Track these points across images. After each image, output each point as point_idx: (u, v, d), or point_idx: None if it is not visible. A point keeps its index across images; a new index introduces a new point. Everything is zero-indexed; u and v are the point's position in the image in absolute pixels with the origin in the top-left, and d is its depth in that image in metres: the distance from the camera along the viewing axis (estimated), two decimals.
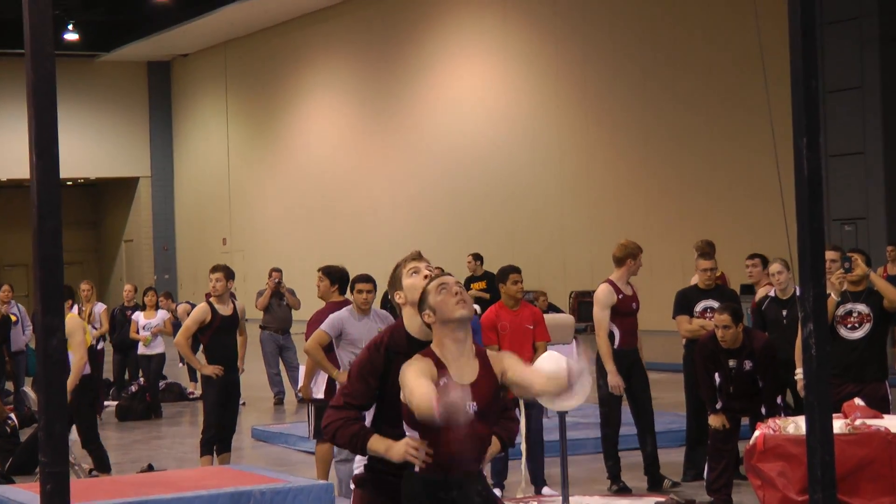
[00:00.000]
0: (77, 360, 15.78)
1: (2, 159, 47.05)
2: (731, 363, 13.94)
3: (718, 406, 13.98)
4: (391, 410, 7.17)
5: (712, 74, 28.36)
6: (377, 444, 6.96)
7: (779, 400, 14.06)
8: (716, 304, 14.29)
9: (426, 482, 7.04)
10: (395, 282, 7.39)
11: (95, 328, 23.60)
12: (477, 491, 7.17)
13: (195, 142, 51.12)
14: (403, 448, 6.80)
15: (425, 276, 7.22)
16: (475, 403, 6.94)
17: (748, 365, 13.85)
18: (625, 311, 14.91)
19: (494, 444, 7.42)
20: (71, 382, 15.37)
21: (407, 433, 7.00)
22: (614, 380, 14.62)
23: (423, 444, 6.78)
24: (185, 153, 51.75)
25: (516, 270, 14.56)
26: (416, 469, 7.00)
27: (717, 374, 14.06)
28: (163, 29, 44.25)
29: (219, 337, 15.98)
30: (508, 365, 7.30)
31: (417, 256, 7.44)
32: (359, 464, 7.33)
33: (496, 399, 7.21)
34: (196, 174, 51.12)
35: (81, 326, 16.59)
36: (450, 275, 7.35)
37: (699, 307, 14.68)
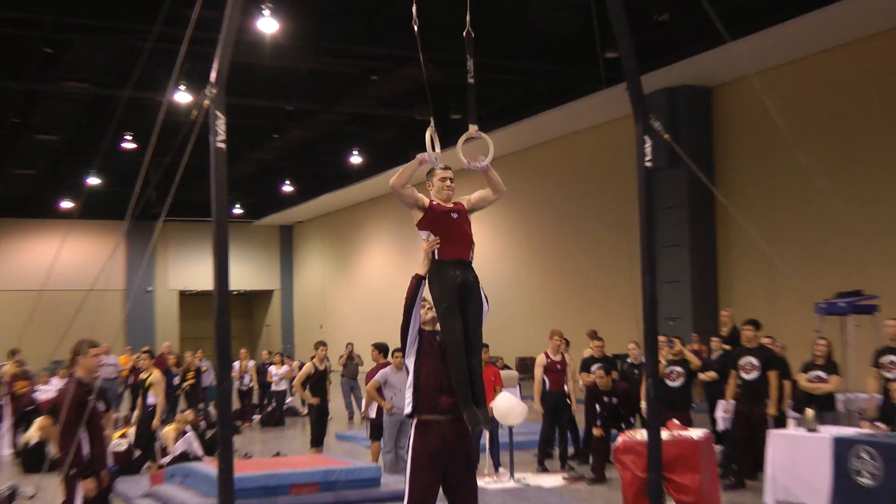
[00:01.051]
0: (160, 401, 16.02)
1: (197, 278, 47.55)
2: (606, 399, 14.02)
3: (598, 423, 14.01)
4: None
5: (601, 231, 28.29)
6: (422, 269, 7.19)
7: (632, 420, 14.05)
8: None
9: (442, 263, 7.16)
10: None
11: (249, 376, 23.91)
12: (474, 275, 7.30)
13: (305, 271, 51.04)
14: (424, 248, 7.18)
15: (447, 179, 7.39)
16: (456, 213, 7.29)
17: (615, 400, 13.93)
18: (551, 370, 14.90)
19: None
20: (158, 417, 15.86)
21: (422, 235, 7.24)
22: (537, 407, 14.83)
23: (434, 238, 7.10)
24: (299, 277, 51.69)
25: (485, 346, 14.53)
26: (437, 257, 7.16)
27: (597, 406, 14.10)
28: (288, 207, 44.32)
29: (317, 382, 16.04)
30: (470, 198, 7.51)
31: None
32: (407, 408, 7.09)
33: (468, 219, 7.38)
34: (305, 288, 51.02)
35: (163, 379, 16.96)
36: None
37: (593, 368, 14.60)
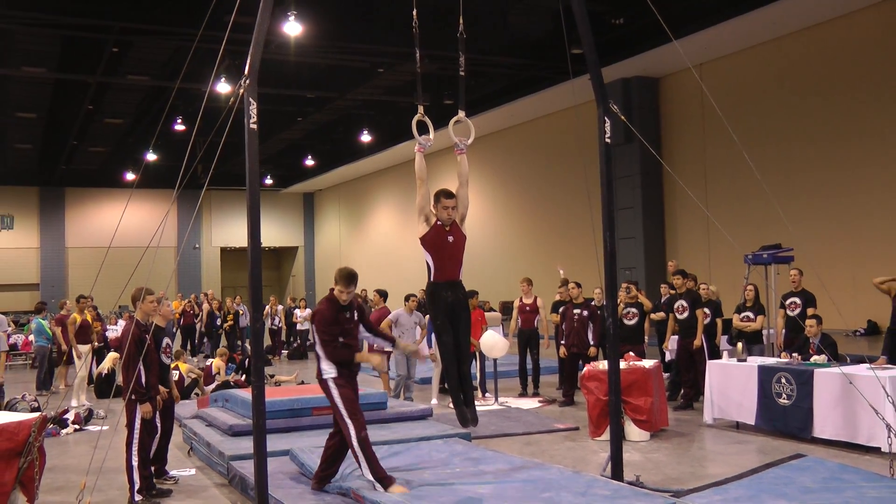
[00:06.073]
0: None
1: (235, 236, 47.53)
2: (576, 312, 13.77)
3: (562, 342, 13.86)
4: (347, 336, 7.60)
5: (568, 196, 28.22)
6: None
7: (594, 344, 13.81)
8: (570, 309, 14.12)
9: (437, 284, 7.12)
10: (351, 281, 7.68)
11: (278, 318, 23.87)
12: (464, 292, 7.29)
13: (324, 229, 50.73)
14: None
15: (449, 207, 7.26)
16: (453, 236, 7.19)
17: (585, 313, 13.69)
18: (522, 310, 14.75)
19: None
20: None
21: (425, 257, 7.19)
22: (510, 341, 14.49)
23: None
24: (319, 235, 51.36)
25: (476, 293, 14.46)
26: (432, 279, 7.12)
27: (564, 325, 13.92)
28: (310, 178, 44.08)
29: None
30: (459, 216, 7.38)
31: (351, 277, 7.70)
32: (329, 374, 7.43)
33: (463, 235, 7.29)
34: (324, 245, 50.75)
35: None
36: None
37: (561, 309, 14.46)
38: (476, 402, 13.27)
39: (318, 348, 7.48)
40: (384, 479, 7.17)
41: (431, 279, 7.16)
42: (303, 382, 16.80)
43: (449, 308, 7.09)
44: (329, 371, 7.43)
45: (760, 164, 20.07)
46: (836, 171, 20.45)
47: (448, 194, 7.26)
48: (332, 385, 7.39)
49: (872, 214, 19.76)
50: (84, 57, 23.35)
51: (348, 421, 7.26)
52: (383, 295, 15.36)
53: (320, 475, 7.64)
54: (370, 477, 7.19)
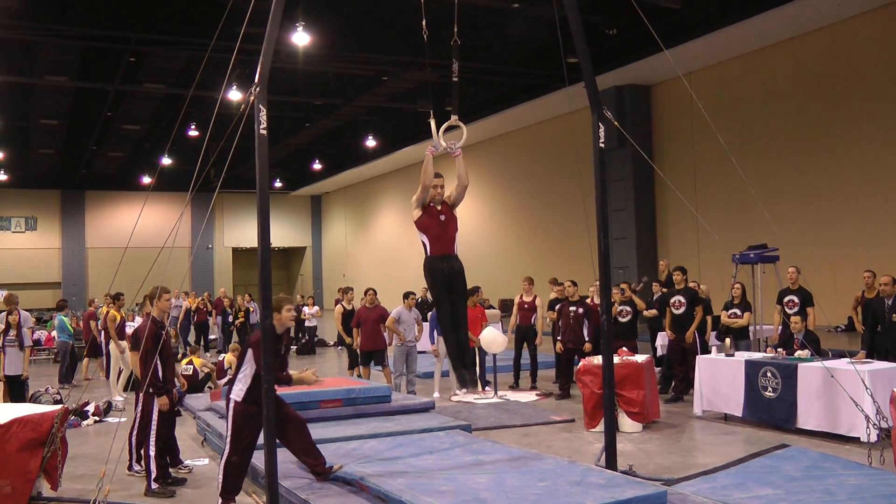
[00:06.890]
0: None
1: (246, 237, 47.51)
2: (572, 309, 13.69)
3: (559, 338, 13.79)
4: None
5: (564, 198, 28.21)
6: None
7: (588, 339, 13.74)
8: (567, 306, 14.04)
9: (433, 258, 7.22)
10: (279, 305, 7.37)
11: None
12: (459, 263, 7.33)
13: (331, 230, 50.72)
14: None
15: (438, 186, 7.39)
16: (444, 215, 7.33)
17: (580, 310, 13.60)
18: (521, 308, 14.71)
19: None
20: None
21: (420, 237, 7.30)
22: (509, 336, 14.46)
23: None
24: (326, 235, 51.34)
25: (478, 289, 14.40)
26: (429, 253, 7.22)
27: (560, 321, 13.84)
28: (317, 181, 44.09)
29: (346, 320, 15.68)
30: (448, 196, 7.49)
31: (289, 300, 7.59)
32: (238, 395, 7.12)
33: (454, 216, 7.41)
34: (331, 245, 50.75)
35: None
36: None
37: (557, 306, 14.42)
38: (476, 395, 13.37)
39: (249, 370, 7.19)
40: (223, 500, 7.23)
41: (428, 254, 7.24)
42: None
43: (445, 278, 7.17)
44: (238, 394, 7.20)
45: (747, 167, 20.11)
46: (818, 174, 20.48)
47: (436, 175, 7.39)
48: (231, 406, 7.18)
49: (851, 215, 19.80)
50: (103, 66, 23.42)
51: (227, 442, 7.17)
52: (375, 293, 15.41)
53: (312, 469, 7.62)
54: (219, 493, 7.21)
